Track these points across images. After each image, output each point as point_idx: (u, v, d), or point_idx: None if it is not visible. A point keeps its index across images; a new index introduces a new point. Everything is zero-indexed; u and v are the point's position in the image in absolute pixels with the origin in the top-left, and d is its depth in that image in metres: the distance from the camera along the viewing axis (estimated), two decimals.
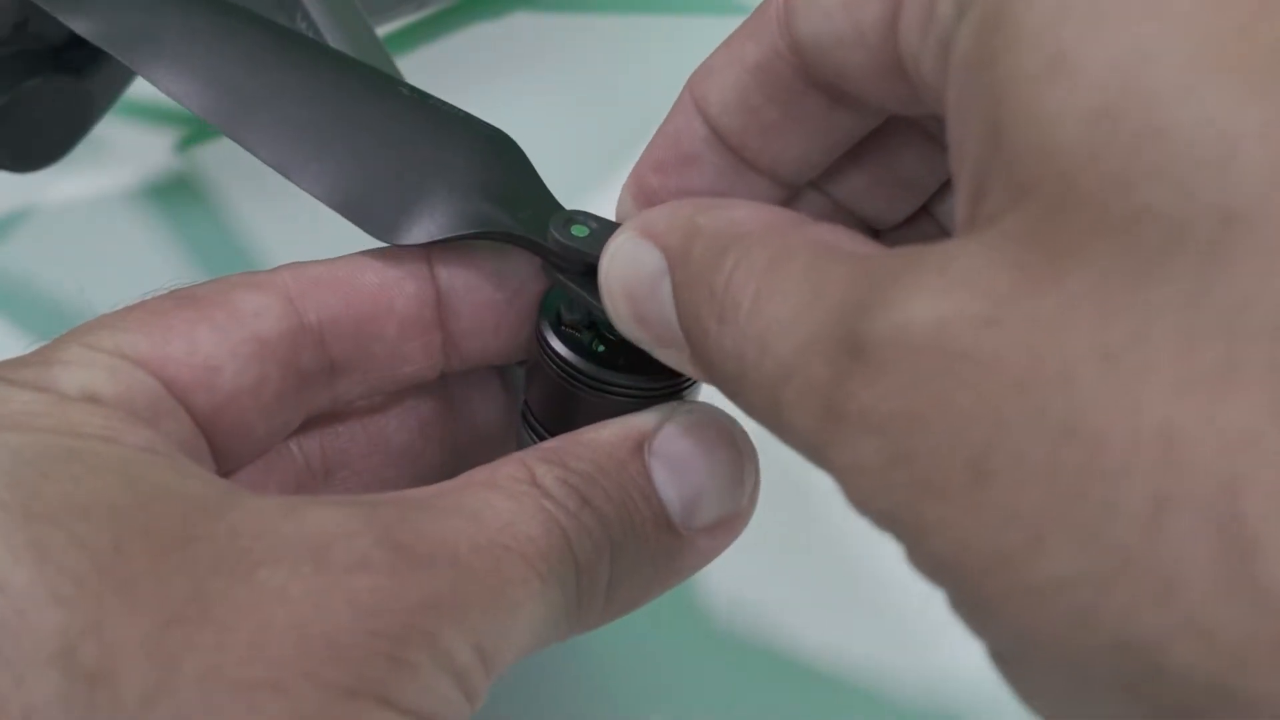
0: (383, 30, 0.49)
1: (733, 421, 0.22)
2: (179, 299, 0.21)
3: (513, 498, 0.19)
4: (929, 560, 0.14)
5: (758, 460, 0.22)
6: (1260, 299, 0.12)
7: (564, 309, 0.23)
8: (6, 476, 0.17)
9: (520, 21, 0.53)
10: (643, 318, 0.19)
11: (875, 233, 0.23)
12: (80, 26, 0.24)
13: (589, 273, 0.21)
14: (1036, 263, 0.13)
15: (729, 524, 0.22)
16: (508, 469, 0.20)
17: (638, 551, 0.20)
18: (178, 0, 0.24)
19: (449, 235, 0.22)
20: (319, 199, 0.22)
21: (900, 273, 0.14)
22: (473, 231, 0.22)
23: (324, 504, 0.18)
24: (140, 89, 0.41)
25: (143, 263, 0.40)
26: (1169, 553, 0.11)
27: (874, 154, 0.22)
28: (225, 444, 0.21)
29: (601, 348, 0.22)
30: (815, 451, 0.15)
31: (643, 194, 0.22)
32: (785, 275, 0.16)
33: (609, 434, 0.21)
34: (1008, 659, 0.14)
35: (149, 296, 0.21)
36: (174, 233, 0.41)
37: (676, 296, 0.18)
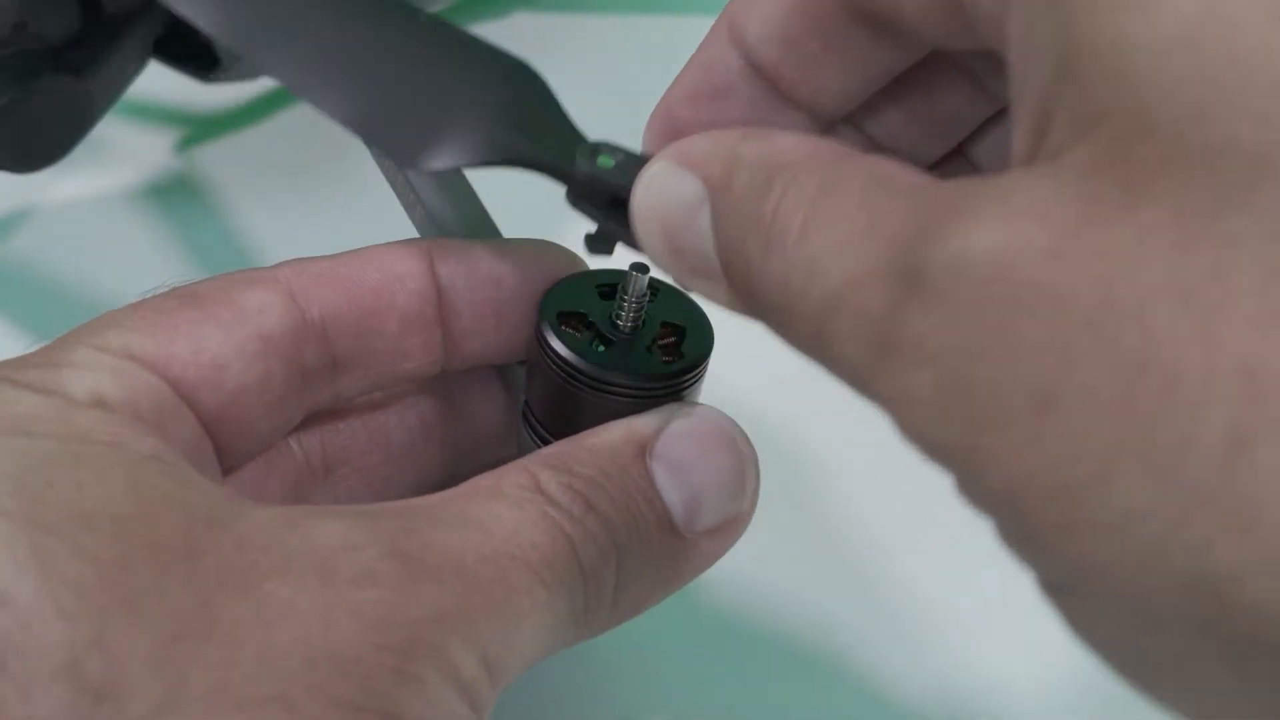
0: None
1: (733, 424, 0.22)
2: (182, 297, 0.21)
3: (517, 506, 0.19)
4: (984, 493, 0.14)
5: (758, 463, 0.22)
6: None
7: (564, 310, 0.23)
8: (11, 483, 0.17)
9: (520, 21, 0.53)
10: (678, 249, 0.19)
11: None
12: None
13: (614, 204, 0.21)
14: (1107, 194, 0.13)
15: (730, 526, 0.22)
16: (512, 476, 0.20)
17: (643, 555, 0.21)
18: None
19: (474, 162, 0.22)
20: (340, 122, 0.22)
21: (960, 202, 0.14)
22: (498, 159, 0.22)
23: (329, 515, 0.18)
24: (140, 89, 0.41)
25: (143, 263, 0.40)
26: (1248, 488, 0.11)
27: (912, 91, 0.21)
28: (230, 441, 0.21)
29: (601, 348, 0.22)
30: (865, 384, 0.15)
31: (672, 125, 0.21)
32: (837, 204, 0.16)
33: (611, 438, 0.21)
34: (1063, 592, 0.14)
35: (151, 294, 0.21)
36: (174, 233, 0.41)
37: (717, 226, 0.18)
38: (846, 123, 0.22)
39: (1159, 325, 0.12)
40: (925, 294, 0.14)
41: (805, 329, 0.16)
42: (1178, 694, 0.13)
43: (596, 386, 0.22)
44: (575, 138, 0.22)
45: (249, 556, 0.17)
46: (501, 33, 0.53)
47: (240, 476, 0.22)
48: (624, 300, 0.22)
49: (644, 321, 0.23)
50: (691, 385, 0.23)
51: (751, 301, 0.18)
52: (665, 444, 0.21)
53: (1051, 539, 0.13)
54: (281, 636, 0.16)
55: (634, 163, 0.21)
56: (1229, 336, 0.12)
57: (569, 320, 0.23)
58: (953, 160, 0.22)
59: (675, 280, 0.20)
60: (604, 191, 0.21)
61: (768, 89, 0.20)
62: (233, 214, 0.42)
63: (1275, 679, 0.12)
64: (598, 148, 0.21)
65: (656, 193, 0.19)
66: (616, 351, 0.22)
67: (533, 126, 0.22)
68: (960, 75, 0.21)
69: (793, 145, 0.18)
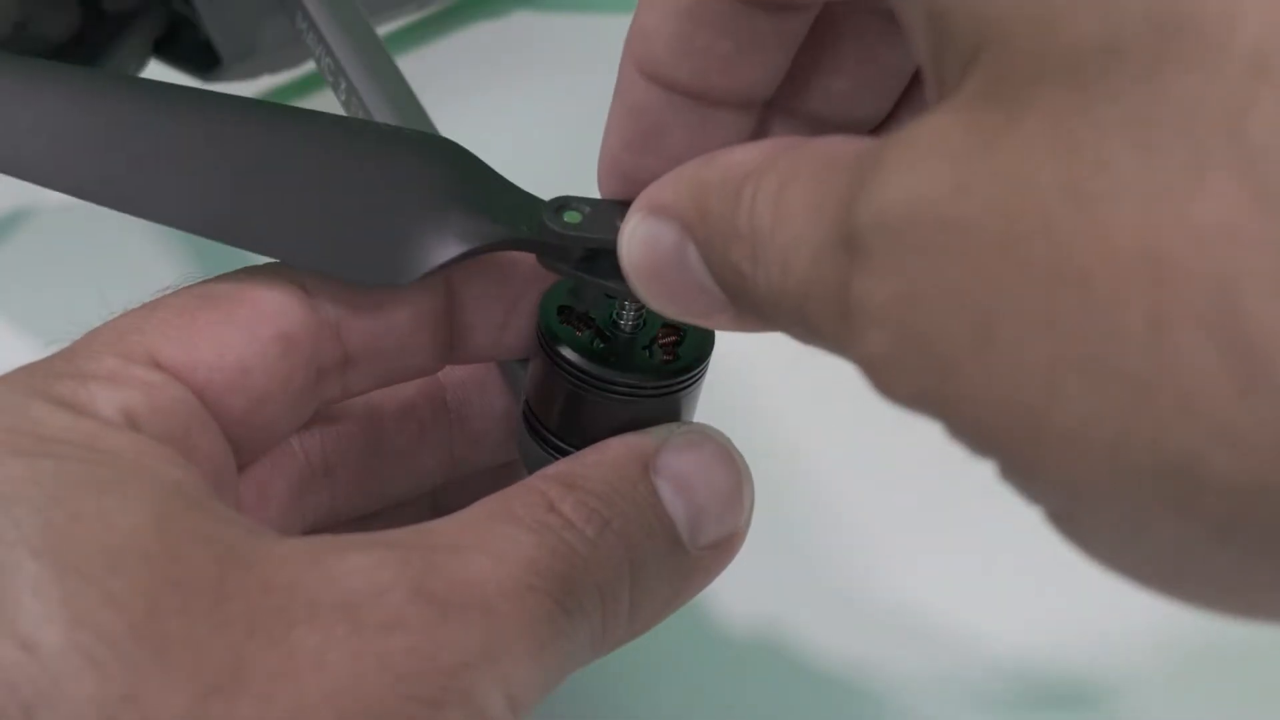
0: (383, 30, 0.49)
1: (729, 441, 0.22)
2: (201, 297, 0.21)
3: (533, 531, 0.19)
4: (966, 433, 0.14)
5: (752, 481, 0.22)
6: (1209, 95, 0.11)
7: (565, 308, 0.23)
8: (38, 517, 0.16)
9: (520, 21, 0.53)
10: (676, 293, 0.19)
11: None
12: None
13: (591, 257, 0.21)
14: (994, 119, 0.13)
15: (730, 541, 0.22)
16: (524, 497, 0.20)
17: (655, 571, 0.21)
18: (44, 81, 0.23)
19: (446, 262, 0.21)
20: (297, 265, 0.21)
21: (878, 157, 0.14)
22: (469, 250, 0.21)
23: (350, 548, 0.18)
24: None
25: (143, 262, 0.40)
26: (1180, 369, 0.11)
27: (840, 54, 0.21)
28: (249, 441, 0.21)
29: (602, 346, 0.22)
30: (844, 356, 0.15)
31: (621, 176, 0.21)
32: (794, 194, 0.16)
33: (615, 454, 0.21)
34: (1064, 517, 0.14)
35: (166, 292, 0.21)
36: (174, 232, 0.41)
37: (706, 256, 0.18)
38: (793, 115, 0.22)
39: (1061, 231, 0.12)
40: (861, 255, 0.14)
41: (796, 322, 0.16)
42: (1198, 587, 0.13)
43: (596, 385, 0.22)
44: (528, 201, 0.22)
45: (275, 600, 0.17)
46: (501, 33, 0.53)
47: (249, 475, 0.22)
48: (625, 299, 0.22)
49: (645, 321, 0.23)
50: (691, 385, 0.23)
51: (756, 315, 0.18)
52: (666, 459, 0.21)
53: (1027, 464, 0.13)
54: (312, 689, 0.16)
55: (603, 211, 0.21)
56: (1124, 225, 0.12)
57: (570, 318, 0.23)
58: (906, 111, 0.22)
59: (691, 323, 0.20)
60: (580, 247, 0.21)
61: (696, 106, 0.20)
62: None
63: (1263, 547, 0.12)
64: (561, 205, 0.21)
65: (640, 248, 0.19)
66: (617, 350, 0.22)
67: (484, 203, 0.22)
68: (877, 21, 0.21)
69: (748, 154, 0.18)
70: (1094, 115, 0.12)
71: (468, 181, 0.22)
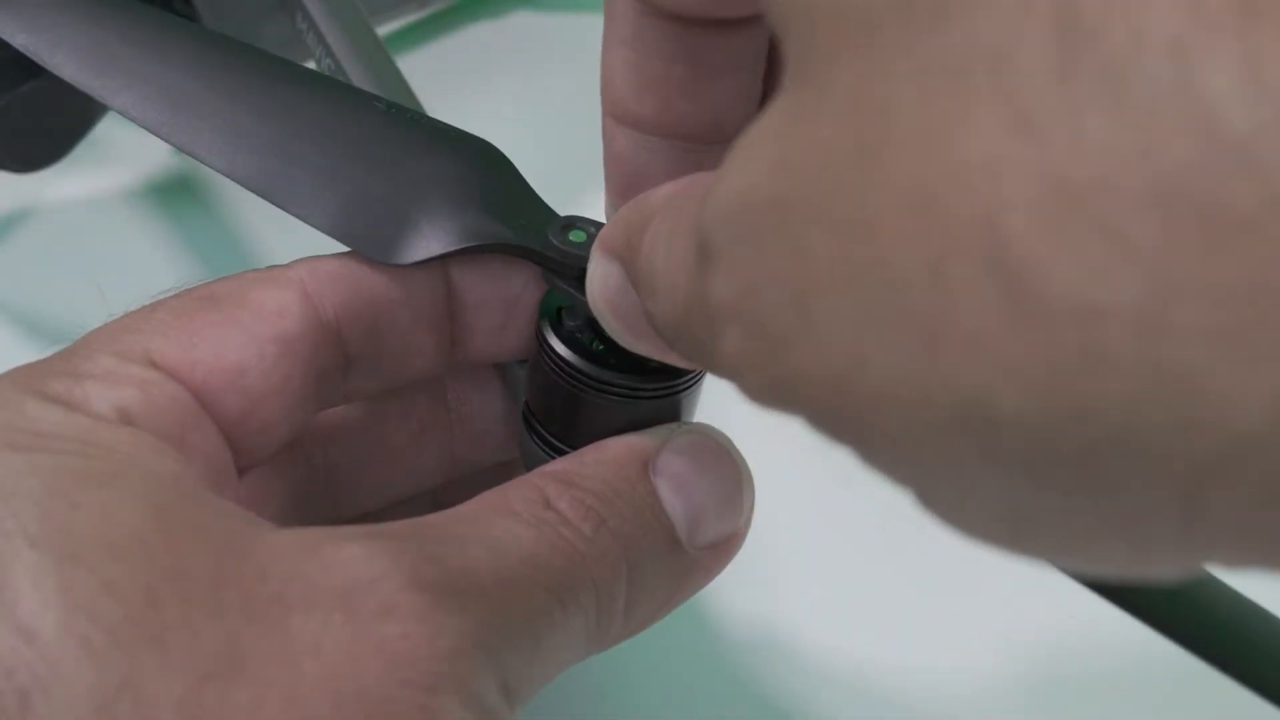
0: (383, 30, 0.49)
1: (729, 441, 0.22)
2: (201, 299, 0.21)
3: (531, 526, 0.19)
4: (813, 420, 0.13)
5: (753, 481, 0.22)
6: (982, 35, 0.11)
7: (565, 309, 0.23)
8: (37, 508, 0.16)
9: (521, 21, 0.53)
10: (631, 330, 0.19)
11: None
12: (21, 40, 0.23)
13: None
14: (807, 96, 0.13)
15: (729, 542, 0.22)
16: (522, 493, 0.20)
17: (652, 570, 0.21)
18: (134, 21, 0.24)
19: (447, 250, 0.22)
20: (315, 226, 0.22)
21: (725, 161, 0.14)
22: (471, 245, 0.22)
23: (346, 538, 0.18)
24: None
25: (143, 263, 0.40)
26: (960, 308, 0.11)
27: None
28: (248, 444, 0.21)
29: (601, 347, 0.22)
30: (722, 375, 0.15)
31: None
32: (680, 230, 0.16)
33: (615, 453, 0.21)
34: (923, 497, 0.13)
35: (166, 295, 0.21)
36: (174, 233, 0.41)
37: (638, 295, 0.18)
38: None
39: (850, 189, 0.12)
40: (712, 259, 0.14)
41: (693, 352, 0.16)
42: (1048, 540, 0.13)
43: (596, 386, 0.22)
44: (545, 215, 0.23)
45: (272, 588, 0.17)
46: (501, 33, 0.53)
47: (251, 477, 0.22)
48: None
49: None
50: (690, 387, 0.23)
51: (676, 350, 0.18)
52: (667, 459, 0.21)
53: (862, 440, 0.13)
54: (309, 676, 0.16)
55: None
56: (901, 171, 0.12)
57: (569, 319, 0.23)
58: None
59: (657, 358, 0.20)
60: (579, 267, 0.21)
61: (674, 145, 0.21)
62: (233, 214, 0.42)
63: (1070, 483, 0.11)
64: (570, 223, 0.22)
65: (597, 285, 0.20)
66: (616, 351, 0.22)
67: (503, 207, 0.22)
68: None
69: (658, 194, 0.18)
70: (887, 72, 0.12)
71: (494, 185, 0.23)
